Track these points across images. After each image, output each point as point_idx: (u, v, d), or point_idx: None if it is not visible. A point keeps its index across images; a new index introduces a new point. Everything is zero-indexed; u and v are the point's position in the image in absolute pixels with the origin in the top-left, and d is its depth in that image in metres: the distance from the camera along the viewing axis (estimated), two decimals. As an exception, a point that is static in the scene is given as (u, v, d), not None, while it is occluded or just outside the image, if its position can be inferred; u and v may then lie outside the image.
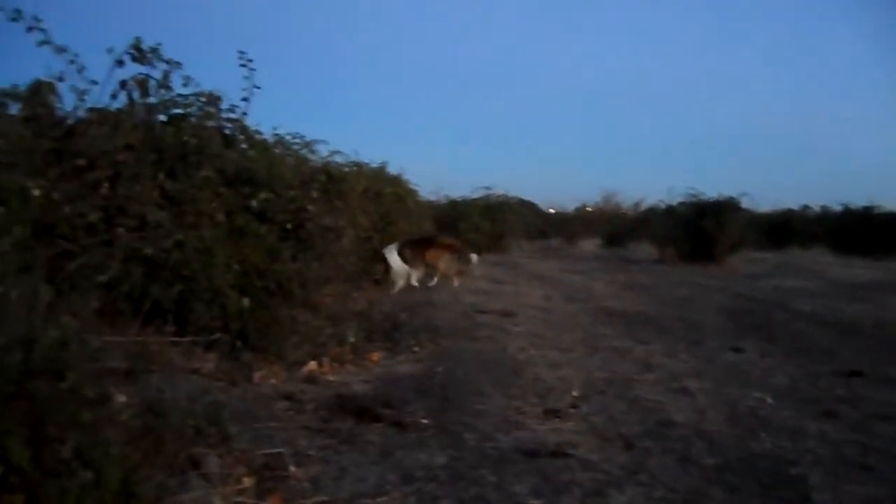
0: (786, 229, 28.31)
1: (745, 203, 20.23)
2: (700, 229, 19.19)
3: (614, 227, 29.89)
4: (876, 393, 5.35)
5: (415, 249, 10.62)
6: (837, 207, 27.57)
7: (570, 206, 35.19)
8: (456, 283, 10.91)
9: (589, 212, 33.61)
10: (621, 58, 62.97)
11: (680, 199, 20.90)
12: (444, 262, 11.07)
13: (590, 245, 29.43)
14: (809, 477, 3.54)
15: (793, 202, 30.74)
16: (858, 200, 26.19)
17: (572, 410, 4.71)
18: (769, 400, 5.08)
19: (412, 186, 14.74)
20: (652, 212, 25.38)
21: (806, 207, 29.99)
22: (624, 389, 5.32)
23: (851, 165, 47.42)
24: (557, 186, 67.02)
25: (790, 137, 56.82)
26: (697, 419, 4.57)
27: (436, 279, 10.89)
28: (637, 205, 30.35)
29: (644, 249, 24.49)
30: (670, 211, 21.46)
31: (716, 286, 13.39)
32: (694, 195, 20.34)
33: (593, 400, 5.01)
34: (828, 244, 25.72)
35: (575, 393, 5.15)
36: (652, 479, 3.49)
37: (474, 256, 12.21)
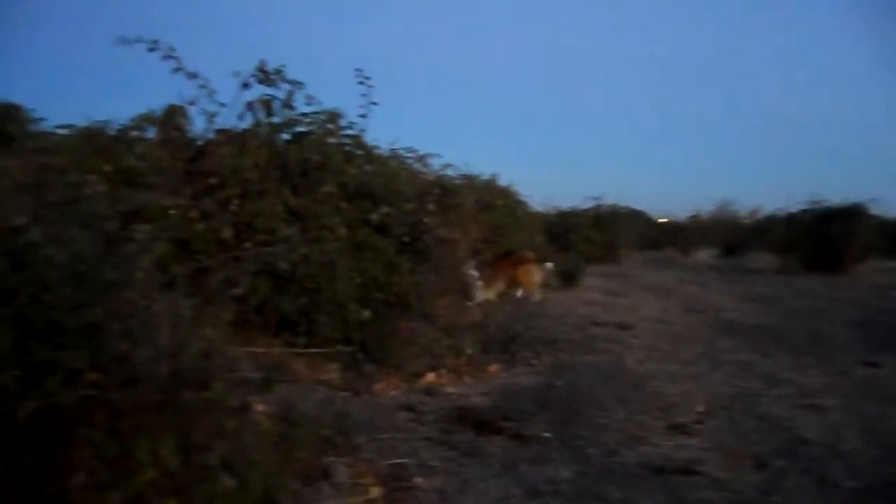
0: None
1: (874, 209, 19.16)
2: (825, 237, 18.26)
3: (731, 236, 28.82)
4: None
5: (494, 266, 10.37)
6: (978, 211, 25.70)
7: (683, 214, 34.26)
8: (538, 296, 10.63)
9: (703, 220, 32.60)
10: (735, 61, 60.95)
11: (802, 206, 19.95)
12: (528, 275, 10.84)
13: (704, 255, 28.49)
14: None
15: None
16: None
17: (698, 426, 4.57)
18: (913, 420, 4.78)
19: (522, 198, 14.72)
20: (771, 219, 24.30)
21: (943, 212, 28.05)
22: (751, 405, 5.12)
23: None
24: (669, 195, 65.23)
25: (922, 138, 53.32)
26: (832, 438, 4.35)
27: (537, 294, 10.65)
28: (754, 212, 29.13)
29: (763, 259, 23.49)
30: (792, 218, 20.49)
31: (843, 297, 12.71)
32: (817, 201, 19.37)
33: (719, 415, 4.85)
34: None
35: (700, 408, 5.00)
36: (788, 502, 3.34)
37: (550, 265, 11.99)
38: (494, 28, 59.80)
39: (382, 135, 7.95)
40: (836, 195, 19.79)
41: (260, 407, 2.76)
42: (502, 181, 13.12)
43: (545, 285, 11.47)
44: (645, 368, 6.32)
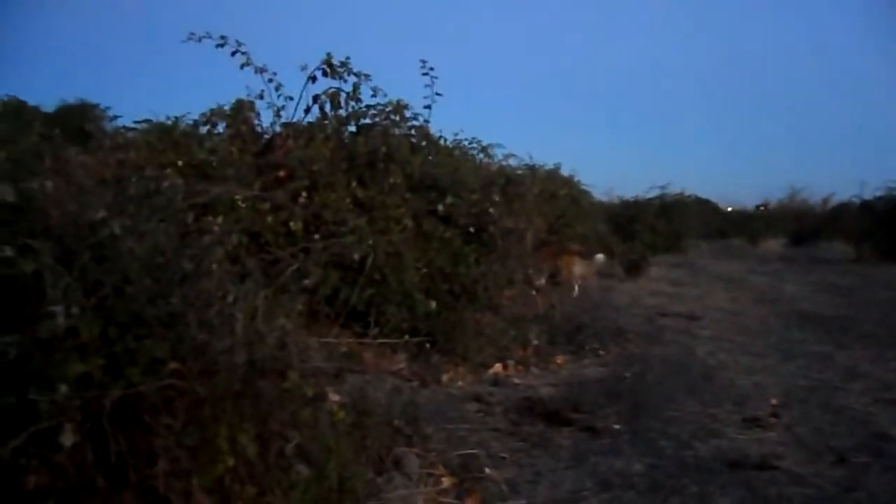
0: None
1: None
2: (903, 226, 17.61)
3: (801, 225, 28.02)
4: None
5: (541, 257, 10.12)
6: None
7: (750, 203, 33.44)
8: (577, 289, 10.37)
9: (771, 209, 31.76)
10: (801, 46, 59.10)
11: (877, 193, 19.27)
12: (570, 266, 10.63)
13: (774, 244, 27.74)
14: None
15: None
16: None
17: (773, 419, 4.44)
18: None
19: (585, 187, 14.58)
20: (844, 207, 23.54)
21: None
22: (828, 398, 4.96)
23: None
24: (736, 183, 63.71)
25: None
26: (918, 434, 4.17)
27: (576, 287, 10.41)
28: (826, 200, 28.23)
29: (835, 248, 22.77)
30: (867, 206, 19.82)
31: (923, 287, 12.23)
32: (893, 188, 18.69)
33: (795, 409, 4.71)
34: None
35: (774, 401, 4.85)
36: (871, 499, 3.22)
37: (600, 257, 11.78)
38: (560, 20, 59.21)
39: (447, 125, 7.97)
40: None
41: (335, 397, 2.78)
42: (565, 171, 13.03)
43: (592, 277, 11.32)
44: (715, 360, 6.18)
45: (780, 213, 30.85)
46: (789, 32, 58.20)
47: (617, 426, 4.25)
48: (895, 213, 18.11)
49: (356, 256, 4.65)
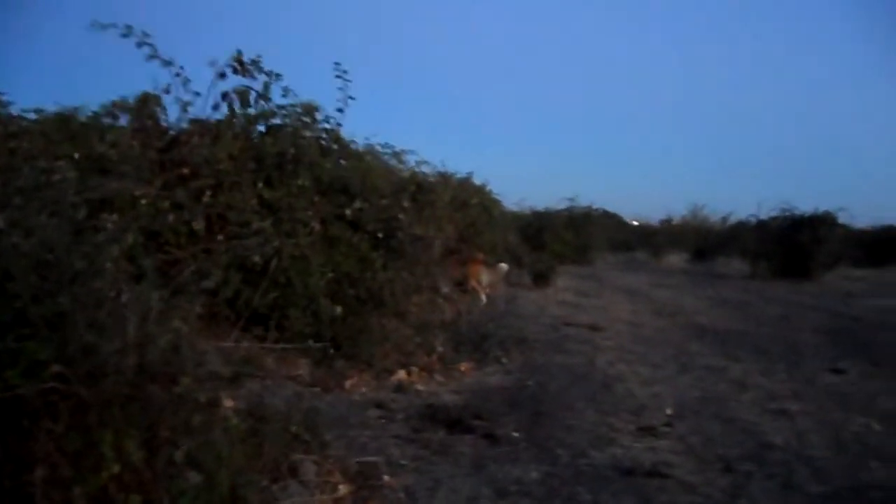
0: (886, 246, 26.97)
1: (842, 218, 19.46)
2: (795, 244, 18.51)
3: (702, 241, 29.10)
4: None
5: (448, 265, 10.10)
6: (944, 223, 26.22)
7: (655, 218, 34.52)
8: (484, 298, 10.52)
9: (675, 225, 32.86)
10: (706, 67, 61.50)
11: (772, 213, 20.20)
12: (476, 275, 10.71)
13: (676, 259, 28.72)
14: (929, 510, 3.35)
15: (894, 218, 29.22)
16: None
17: (667, 429, 4.58)
18: (876, 426, 4.83)
19: (497, 197, 14.75)
20: (742, 226, 24.56)
21: (909, 223, 28.49)
22: (720, 409, 5.16)
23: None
24: (642, 198, 65.72)
25: (889, 149, 54.25)
26: (799, 443, 4.38)
27: (483, 296, 10.51)
28: (725, 218, 29.40)
29: (733, 265, 23.74)
30: (762, 225, 20.73)
31: (812, 304, 12.87)
32: (787, 209, 19.63)
33: (688, 419, 4.87)
34: (933, 261, 24.41)
35: (669, 411, 5.02)
36: (753, 505, 3.36)
37: (504, 266, 11.98)
38: (474, 29, 59.78)
39: (360, 130, 7.92)
40: (806, 204, 20.13)
41: (228, 402, 2.71)
42: (477, 180, 13.14)
43: (499, 286, 11.45)
44: (615, 370, 6.34)
45: (682, 228, 31.93)
46: (694, 50, 60.42)
47: (517, 434, 4.30)
48: (788, 233, 18.97)
49: (257, 258, 4.55)
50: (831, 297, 14.45)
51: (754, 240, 20.96)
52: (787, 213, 19.59)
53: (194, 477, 2.19)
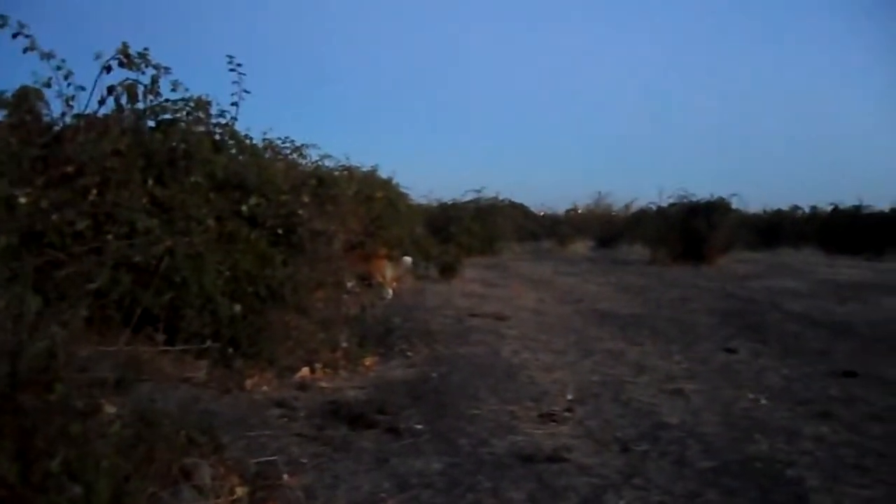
0: (776, 230, 28.36)
1: (736, 204, 20.40)
2: (691, 230, 19.26)
3: (606, 229, 29.89)
4: (869, 393, 5.34)
5: (352, 259, 10.05)
6: (827, 208, 27.76)
7: (561, 207, 35.22)
8: (390, 292, 10.67)
9: (580, 213, 33.59)
10: (609, 57, 63.01)
11: (671, 200, 20.94)
12: (381, 269, 10.74)
13: (581, 247, 29.41)
14: (807, 479, 3.52)
15: (783, 203, 30.77)
16: (848, 201, 26.43)
17: (567, 414, 4.68)
18: (763, 401, 5.07)
19: (403, 190, 14.75)
20: (643, 213, 25.37)
21: (796, 208, 30.01)
22: (618, 392, 5.30)
23: (842, 166, 47.56)
24: (548, 188, 67.02)
25: (780, 138, 56.99)
26: (692, 421, 4.55)
27: (389, 290, 10.55)
28: (628, 206, 30.25)
29: (636, 251, 24.51)
30: (661, 212, 21.48)
31: (708, 287, 13.41)
32: (684, 196, 20.41)
33: (588, 403, 4.99)
34: (818, 244, 25.82)
35: (569, 396, 5.13)
36: (648, 483, 3.46)
37: (408, 259, 12.09)
38: (375, 19, 59.44)
39: (262, 126, 7.74)
40: (703, 191, 20.94)
41: (110, 408, 2.61)
42: (383, 173, 13.10)
43: (405, 279, 11.49)
44: (519, 358, 6.44)
45: (587, 217, 32.69)
46: (594, 41, 61.84)
47: (419, 426, 4.31)
48: (686, 219, 19.71)
49: (139, 258, 4.39)
50: (726, 279, 15.08)
51: (654, 226, 21.68)
52: (684, 200, 20.34)
53: (73, 488, 2.09)
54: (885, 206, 25.47)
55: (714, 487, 3.41)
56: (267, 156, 7.39)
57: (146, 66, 5.19)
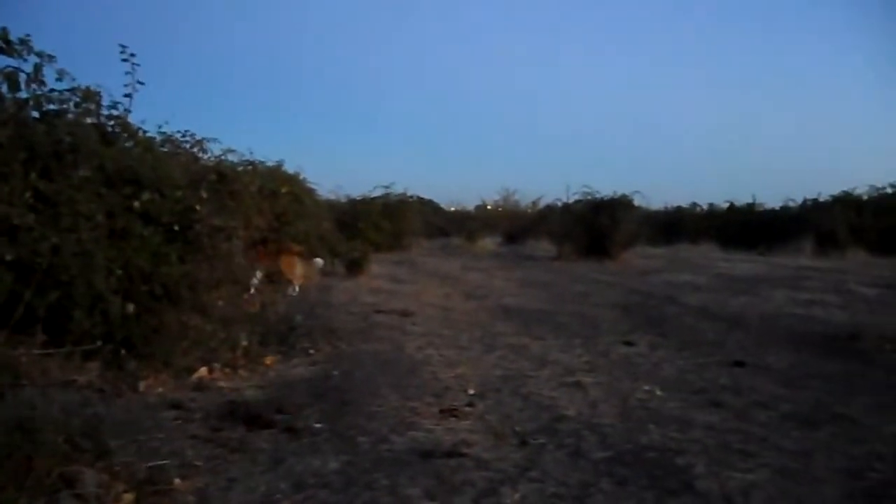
0: (676, 226, 29.43)
1: (638, 201, 20.99)
2: (595, 226, 19.72)
3: (513, 225, 30.31)
4: (756, 381, 5.58)
5: (257, 257, 9.88)
6: (724, 205, 29.01)
7: (471, 204, 35.51)
8: (297, 288, 10.53)
9: (488, 210, 33.95)
10: (519, 55, 63.89)
11: (576, 197, 21.39)
12: (290, 266, 10.62)
13: (490, 243, 29.70)
14: (695, 466, 3.64)
15: (682, 200, 31.98)
16: (743, 198, 27.74)
17: (468, 409, 4.70)
18: (658, 392, 5.22)
19: (310, 185, 14.54)
20: (549, 209, 25.86)
21: (694, 205, 31.27)
22: (519, 386, 5.37)
23: (736, 165, 49.75)
24: (458, 185, 67.53)
25: (682, 136, 59.02)
26: (590, 413, 4.65)
27: (296, 286, 10.45)
28: (535, 203, 30.82)
29: (542, 247, 24.94)
30: (567, 208, 21.92)
31: (611, 282, 13.75)
32: (589, 193, 20.89)
33: (489, 397, 5.03)
34: (715, 239, 26.92)
35: (471, 391, 5.16)
36: (544, 475, 3.51)
37: (319, 261, 12.06)
38: (283, 10, 58.46)
39: (160, 119, 7.45)
40: (607, 188, 21.49)
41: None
42: (290, 168, 12.88)
43: (313, 277, 11.40)
44: (423, 354, 6.44)
45: (495, 213, 33.08)
46: (502, 40, 62.59)
47: (318, 425, 4.25)
48: (590, 216, 20.17)
49: (10, 257, 4.17)
50: (628, 274, 15.51)
51: (560, 223, 22.11)
52: (588, 197, 20.81)
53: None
54: (776, 204, 26.83)
55: (608, 477, 3.49)
56: (165, 150, 7.12)
57: (28, 54, 4.93)
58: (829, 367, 6.13)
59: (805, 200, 25.49)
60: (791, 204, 26.05)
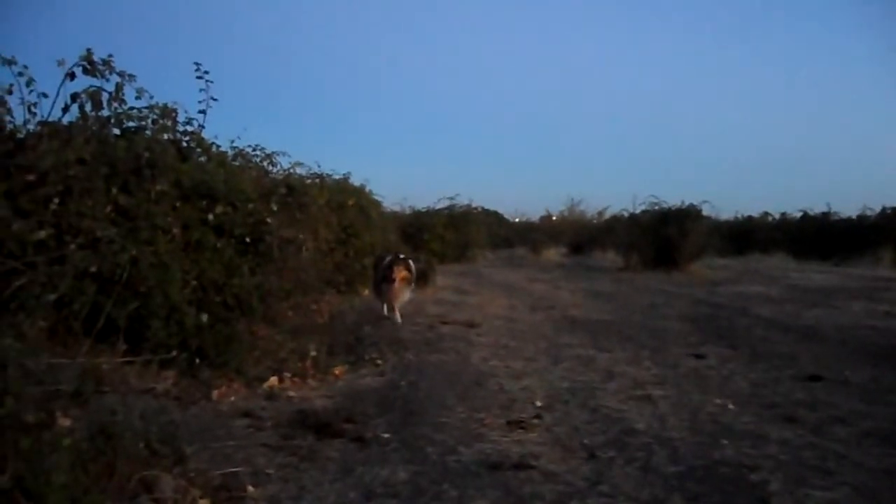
0: (747, 236, 28.71)
1: (707, 210, 20.58)
2: (663, 237, 19.39)
3: (578, 236, 30.05)
4: (833, 396, 5.40)
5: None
6: (796, 214, 28.20)
7: (535, 214, 35.36)
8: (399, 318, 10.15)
9: (553, 220, 33.73)
10: (584, 65, 63.54)
11: (643, 207, 21.09)
12: (405, 294, 10.30)
13: (554, 254, 29.50)
14: (770, 483, 3.54)
15: (753, 209, 31.21)
16: (817, 207, 26.91)
17: (535, 421, 4.67)
18: (730, 406, 5.10)
19: (376, 197, 14.72)
20: (615, 220, 25.55)
21: (766, 214, 30.46)
22: (587, 398, 5.31)
23: (810, 173, 48.40)
24: (522, 195, 67.40)
25: (750, 145, 57.77)
26: (659, 427, 4.57)
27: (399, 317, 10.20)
28: (601, 213, 30.46)
29: (608, 258, 24.67)
30: (633, 219, 21.61)
31: (678, 293, 13.51)
32: (656, 203, 20.56)
33: (557, 410, 4.99)
34: (788, 250, 26.17)
35: (538, 403, 5.12)
36: (614, 490, 3.46)
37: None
38: (350, 26, 59.42)
39: (232, 133, 7.68)
40: (675, 198, 21.13)
41: (65, 421, 2.56)
42: (356, 181, 13.07)
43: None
44: (488, 366, 6.43)
45: (560, 224, 32.84)
46: (568, 48, 62.32)
47: (387, 435, 4.28)
48: (657, 226, 19.85)
49: (93, 269, 4.34)
50: (697, 285, 15.21)
51: (626, 233, 21.81)
52: (655, 207, 20.50)
53: None
54: (852, 213, 25.95)
55: (679, 492, 3.42)
56: (237, 164, 7.33)
57: (110, 73, 5.15)
58: (911, 382, 5.90)
59: (884, 208, 24.55)
60: (869, 212, 25.14)
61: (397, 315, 8.77)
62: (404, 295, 8.94)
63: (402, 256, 9.14)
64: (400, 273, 8.70)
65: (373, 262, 10.39)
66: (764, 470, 3.74)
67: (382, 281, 8.86)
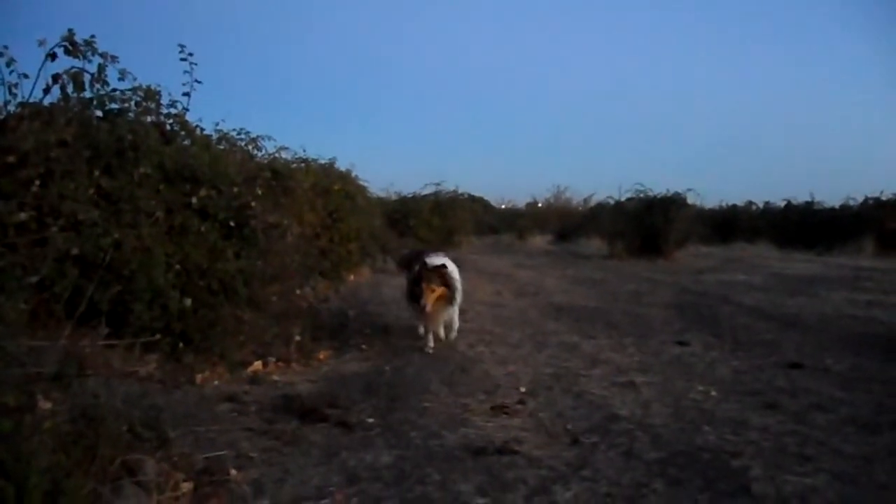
0: (731, 224, 28.85)
1: (692, 199, 20.64)
2: (648, 224, 19.46)
3: (564, 223, 30.10)
4: (814, 384, 5.44)
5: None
6: (780, 203, 28.36)
7: (521, 201, 35.39)
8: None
9: (539, 207, 33.78)
10: (570, 54, 63.50)
11: (628, 195, 21.14)
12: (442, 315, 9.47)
13: (540, 241, 29.56)
14: (751, 469, 3.57)
15: (738, 198, 31.35)
16: (801, 196, 27.06)
17: (519, 406, 4.70)
18: (713, 393, 5.14)
19: (362, 182, 14.65)
20: (601, 207, 25.59)
21: (750, 203, 30.62)
22: (571, 384, 5.33)
23: (793, 162, 48.66)
24: (508, 182, 67.47)
25: (735, 135, 58.03)
26: (642, 413, 4.60)
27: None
28: (586, 200, 30.51)
29: (594, 245, 24.73)
30: (619, 206, 21.66)
31: (663, 281, 13.57)
32: (641, 191, 20.62)
33: (541, 395, 5.01)
34: (771, 239, 26.33)
35: (523, 389, 5.15)
36: (596, 475, 3.49)
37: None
38: (334, 10, 59.03)
39: (216, 116, 7.62)
40: (660, 186, 21.18)
41: (46, 404, 2.54)
42: (342, 166, 13.00)
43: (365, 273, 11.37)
44: (474, 352, 6.45)
45: (546, 211, 32.90)
46: (555, 34, 62.21)
47: (371, 420, 4.29)
48: (642, 214, 19.91)
49: (76, 251, 4.29)
50: (681, 273, 15.28)
51: (612, 221, 21.86)
52: (641, 195, 20.55)
53: (4, 486, 2.04)
54: (835, 203, 26.11)
55: (661, 478, 3.45)
56: (221, 147, 7.27)
57: (93, 55, 5.08)
58: (891, 370, 5.95)
59: (867, 198, 24.72)
60: (851, 202, 25.30)
61: (431, 340, 6.67)
62: (443, 315, 6.68)
63: (435, 263, 6.62)
64: (431, 291, 6.42)
65: (399, 259, 8.71)
66: (745, 456, 3.77)
67: (411, 298, 6.69)
